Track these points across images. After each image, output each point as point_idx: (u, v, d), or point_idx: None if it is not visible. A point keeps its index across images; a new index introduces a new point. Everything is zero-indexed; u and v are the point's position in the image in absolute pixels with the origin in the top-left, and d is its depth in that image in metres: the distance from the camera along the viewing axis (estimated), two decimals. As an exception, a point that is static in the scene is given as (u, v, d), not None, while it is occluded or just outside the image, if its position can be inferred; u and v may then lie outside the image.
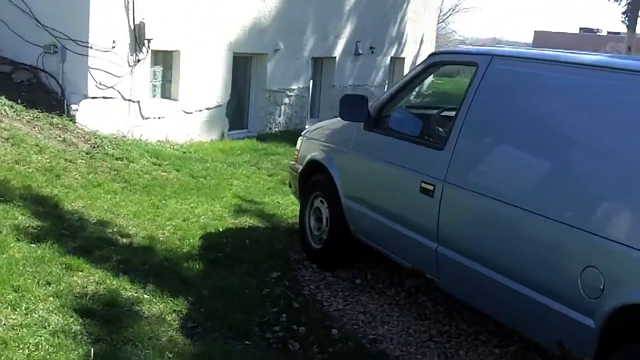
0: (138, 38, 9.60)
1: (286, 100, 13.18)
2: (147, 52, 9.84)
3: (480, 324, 5.07)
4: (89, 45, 8.98)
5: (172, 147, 10.11)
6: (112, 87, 9.40)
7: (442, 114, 5.65)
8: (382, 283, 5.89)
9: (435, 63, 5.42)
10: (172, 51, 10.48)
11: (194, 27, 10.55)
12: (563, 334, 3.75)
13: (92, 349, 3.77)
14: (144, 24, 9.54)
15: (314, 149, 6.35)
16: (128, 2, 9.35)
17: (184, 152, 9.98)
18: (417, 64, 5.86)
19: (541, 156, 4.13)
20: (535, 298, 3.85)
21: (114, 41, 9.26)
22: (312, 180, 6.31)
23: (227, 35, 11.36)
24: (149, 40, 9.68)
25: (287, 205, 8.06)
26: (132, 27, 9.52)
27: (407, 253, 5.12)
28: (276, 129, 13.13)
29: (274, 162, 10.49)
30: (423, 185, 4.77)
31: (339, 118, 5.86)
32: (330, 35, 14.08)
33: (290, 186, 7.09)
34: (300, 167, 6.49)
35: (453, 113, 5.60)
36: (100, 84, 9.23)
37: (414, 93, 5.66)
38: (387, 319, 5.24)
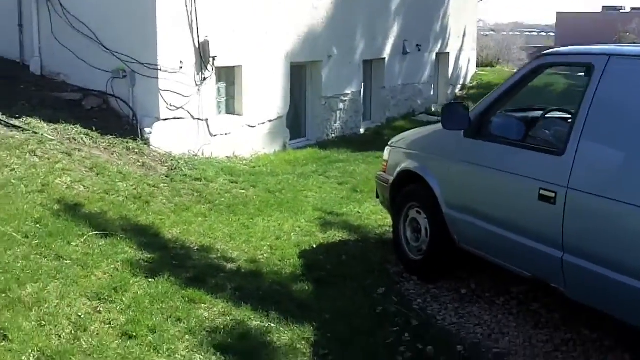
0: (203, 56, 9.62)
1: (341, 105, 13.16)
2: (212, 69, 9.87)
3: (602, 329, 4.99)
4: (158, 68, 9.03)
5: (241, 162, 10.14)
6: (181, 107, 9.44)
7: (547, 116, 5.55)
8: (489, 292, 5.83)
9: (544, 65, 5.30)
10: (235, 67, 10.51)
11: (253, 40, 10.57)
12: None
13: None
14: (208, 42, 9.57)
15: (405, 159, 6.30)
16: (192, 21, 9.38)
17: (254, 167, 10.00)
18: (521, 67, 5.73)
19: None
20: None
21: (181, 61, 9.30)
22: (406, 190, 6.26)
23: (284, 46, 11.37)
24: (213, 58, 9.71)
25: (367, 215, 8.04)
26: (197, 46, 9.55)
27: (526, 262, 5.03)
28: (333, 135, 13.12)
29: (340, 170, 10.47)
30: (542, 192, 4.68)
31: (429, 127, 5.81)
32: (378, 36, 14.05)
33: (377, 196, 7.04)
34: (391, 178, 6.44)
35: (560, 115, 5.55)
36: (171, 105, 9.27)
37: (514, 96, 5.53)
38: (506, 330, 5.18)
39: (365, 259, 6.46)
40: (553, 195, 4.59)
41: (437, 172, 5.84)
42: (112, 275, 5.09)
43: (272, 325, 4.75)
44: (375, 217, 7.94)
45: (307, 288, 5.58)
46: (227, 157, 10.17)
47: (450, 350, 4.78)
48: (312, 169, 10.40)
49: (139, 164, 8.36)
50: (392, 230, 6.85)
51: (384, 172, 6.72)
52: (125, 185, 7.49)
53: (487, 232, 5.28)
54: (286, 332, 4.69)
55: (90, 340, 4.09)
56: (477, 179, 5.45)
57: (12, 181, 6.65)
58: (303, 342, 4.60)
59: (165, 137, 9.22)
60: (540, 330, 5.15)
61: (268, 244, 6.57)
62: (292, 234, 6.99)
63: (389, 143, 6.77)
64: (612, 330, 4.92)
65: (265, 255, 6.26)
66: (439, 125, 5.79)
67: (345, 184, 9.65)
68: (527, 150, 5.00)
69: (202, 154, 9.70)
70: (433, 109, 16.61)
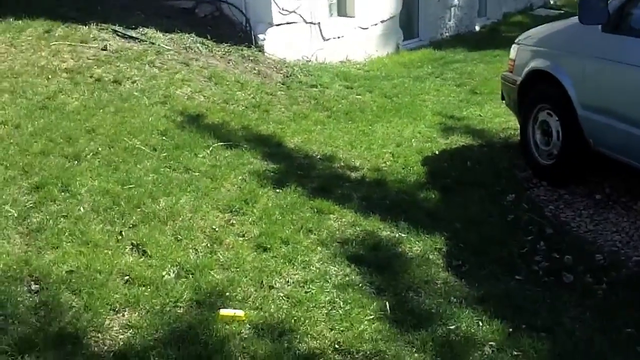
0: (313, -43, 9.32)
1: (455, 1, 12.58)
2: (323, -30, 9.57)
3: None
4: (269, -29, 8.81)
5: (354, 66, 9.93)
6: (293, 11, 9.22)
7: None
8: (625, 197, 5.53)
9: None
10: (345, -35, 10.15)
11: (363, -62, 10.14)
12: None
13: (386, 303, 3.73)
14: (318, -58, 9.25)
15: (535, 58, 5.94)
16: None
17: (368, 71, 9.78)
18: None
19: None
20: None
21: (291, -36, 9.04)
22: (537, 91, 5.93)
23: (394, -58, 10.88)
24: (324, -42, 9.40)
25: (490, 118, 7.75)
26: (307, -53, 9.24)
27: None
28: (447, 34, 12.62)
29: (457, 71, 10.11)
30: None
31: (561, 21, 5.42)
32: None
33: (503, 98, 6.73)
34: (519, 78, 6.11)
35: None
36: (283, 10, 9.08)
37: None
38: (646, 238, 4.91)
39: (491, 165, 6.25)
40: None
41: (572, 70, 5.48)
42: (240, 187, 5.10)
43: (403, 235, 4.67)
44: (499, 119, 7.64)
45: (433, 196, 5.45)
46: (340, 61, 9.97)
47: (588, 259, 4.58)
48: (427, 71, 10.09)
49: (255, 71, 8.30)
50: (518, 133, 6.58)
51: (511, 72, 6.38)
52: (243, 95, 7.47)
53: (628, 134, 4.94)
54: (417, 242, 4.60)
55: (226, 253, 4.12)
56: (618, 77, 5.08)
57: (135, 93, 6.72)
58: (435, 253, 4.50)
59: (279, 43, 9.09)
60: (685, 236, 4.85)
61: (389, 151, 6.43)
62: (413, 140, 6.82)
63: (515, 40, 6.38)
64: None
65: (387, 163, 6.14)
66: (574, 20, 5.40)
67: (463, 85, 9.32)
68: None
69: (316, 60, 9.53)
70: (552, 2, 15.70)
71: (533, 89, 5.98)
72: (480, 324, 3.65)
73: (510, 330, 3.61)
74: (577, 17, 5.27)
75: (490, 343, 3.48)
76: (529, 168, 6.12)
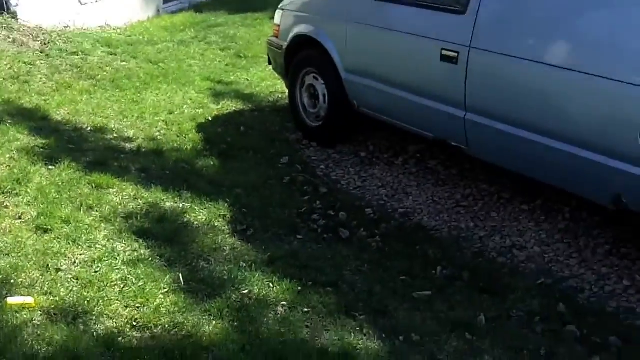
0: None
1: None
2: None
3: (498, 183, 5.26)
4: None
5: (115, 32, 9.62)
6: (45, -26, 8.72)
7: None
8: (387, 153, 5.99)
9: None
10: None
11: None
12: (621, 188, 3.92)
13: (179, 274, 3.76)
14: None
15: (299, 23, 6.17)
16: None
17: (130, 36, 9.53)
18: None
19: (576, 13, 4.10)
20: (590, 157, 3.94)
21: None
22: (302, 56, 6.18)
23: None
24: None
25: (257, 82, 7.96)
26: None
27: (428, 124, 5.13)
28: (207, -4, 12.60)
29: (220, 34, 10.18)
30: (444, 52, 4.73)
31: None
32: None
33: (269, 62, 6.92)
34: (285, 43, 6.32)
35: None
36: (33, -28, 8.55)
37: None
38: (408, 190, 5.37)
39: (263, 129, 6.44)
40: (455, 55, 4.65)
41: (334, 36, 5.76)
42: (9, 166, 4.82)
43: (187, 205, 4.70)
44: (265, 83, 7.87)
45: (212, 163, 5.53)
46: (99, 27, 9.61)
47: (360, 215, 4.92)
48: (191, 35, 10.05)
49: (10, 40, 7.77)
50: (286, 97, 6.83)
51: (276, 37, 6.56)
52: (-1, 65, 6.99)
53: (388, 95, 5.33)
54: (201, 210, 4.66)
55: (4, 238, 3.91)
56: (377, 41, 5.41)
57: None
58: (220, 220, 4.60)
59: (34, 9, 8.53)
60: (441, 187, 5.37)
61: (162, 119, 6.39)
62: (185, 107, 6.82)
63: (280, 6, 6.55)
64: (508, 183, 5.19)
65: (162, 131, 6.10)
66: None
67: (227, 49, 9.43)
68: (428, 10, 4.97)
69: (74, 25, 9.10)
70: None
71: (299, 53, 6.21)
72: (271, 285, 3.81)
73: (299, 288, 3.81)
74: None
75: (282, 303, 3.65)
76: (298, 130, 6.39)
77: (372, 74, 5.47)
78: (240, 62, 8.85)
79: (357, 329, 3.53)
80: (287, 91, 6.73)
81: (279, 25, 6.51)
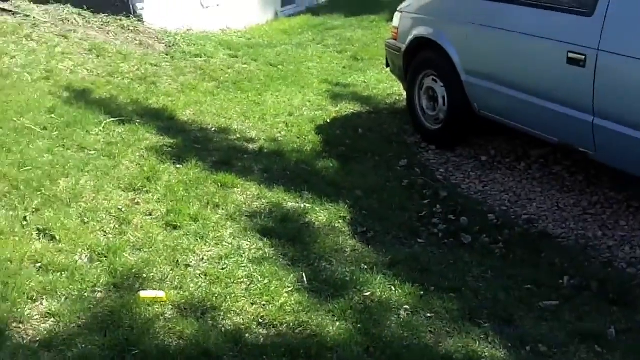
0: None
1: (329, -34, 12.71)
2: None
3: (627, 190, 5.05)
4: None
5: (236, 34, 9.87)
6: (171, -21, 9.05)
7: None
8: (508, 157, 5.86)
9: None
10: None
11: None
12: None
13: (303, 274, 3.81)
14: None
15: (418, 25, 6.13)
16: None
17: (250, 39, 9.76)
18: None
19: None
20: None
21: None
22: (421, 58, 6.14)
23: None
24: None
25: (374, 84, 7.97)
26: None
27: (553, 128, 5.00)
28: (322, 0, 12.72)
29: (336, 37, 10.28)
30: (571, 55, 4.59)
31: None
32: None
33: (387, 65, 6.91)
34: (403, 46, 6.28)
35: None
36: (160, -23, 8.89)
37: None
38: (532, 196, 5.23)
39: (381, 131, 6.44)
40: (583, 57, 4.51)
41: (454, 37, 5.70)
42: (140, 164, 5.01)
43: (308, 205, 4.75)
44: (383, 85, 7.86)
45: (331, 165, 5.56)
46: (220, 29, 9.89)
47: (482, 220, 4.84)
48: (308, 38, 10.18)
49: (137, 42, 8.11)
50: (404, 99, 6.81)
51: (395, 39, 6.54)
52: (127, 67, 7.29)
53: (511, 99, 5.22)
54: (322, 211, 4.69)
55: (136, 234, 4.07)
56: (499, 43, 5.33)
57: (15, 70, 6.43)
58: (340, 221, 4.62)
59: (158, 12, 8.89)
60: (567, 194, 5.21)
61: (282, 120, 6.49)
62: (304, 108, 6.90)
63: (398, 8, 6.53)
64: (638, 191, 4.98)
65: (282, 132, 6.20)
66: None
67: (344, 52, 9.49)
68: (554, 12, 4.84)
69: (197, 28, 9.39)
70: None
71: (417, 55, 6.18)
72: (393, 288, 3.80)
73: (422, 293, 3.78)
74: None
75: (405, 306, 3.64)
76: (417, 133, 6.35)
77: (494, 76, 5.37)
78: (357, 64, 8.89)
79: (482, 336, 3.47)
80: (404, 93, 6.70)
81: (397, 28, 6.50)
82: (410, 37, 6.19)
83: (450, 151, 6.01)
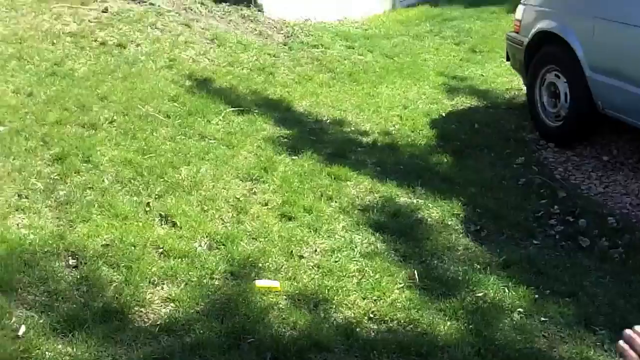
0: None
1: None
2: None
3: None
4: None
5: (353, 25, 9.88)
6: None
7: None
8: (632, 158, 5.64)
9: None
10: None
11: None
12: None
13: (414, 270, 3.81)
14: None
15: (542, 18, 5.96)
16: None
17: (367, 30, 9.75)
18: None
19: None
20: None
21: None
22: (543, 52, 5.97)
23: None
24: None
25: (492, 78, 7.81)
26: None
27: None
28: (441, -11, 12.56)
29: (454, 28, 10.12)
30: None
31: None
32: None
33: (508, 59, 6.76)
34: (526, 39, 6.13)
35: None
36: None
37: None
38: (656, 200, 5.01)
39: (498, 127, 6.32)
40: None
41: (580, 32, 5.51)
42: (257, 154, 5.13)
43: (420, 201, 4.73)
44: (501, 79, 7.71)
45: (445, 160, 5.51)
46: (338, 20, 9.93)
47: (602, 223, 4.67)
48: (425, 29, 10.08)
49: (256, 32, 8.27)
50: (522, 94, 6.65)
51: (517, 32, 6.39)
52: (247, 57, 7.45)
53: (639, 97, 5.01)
54: (435, 208, 4.67)
55: (253, 223, 4.17)
56: (629, 39, 5.11)
57: (140, 57, 6.69)
58: (453, 218, 4.58)
59: (277, 3, 9.02)
60: (694, 198, 4.96)
61: (397, 114, 6.47)
62: (419, 102, 6.86)
63: (522, 1, 6.37)
64: None
65: (396, 126, 6.19)
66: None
67: (462, 44, 9.35)
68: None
69: (315, 19, 9.47)
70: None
71: (540, 50, 6.01)
72: (507, 290, 3.74)
73: (536, 296, 3.71)
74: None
75: (519, 309, 3.58)
76: (535, 130, 6.19)
77: (622, 74, 5.16)
78: (475, 56, 8.74)
79: (598, 343, 3.37)
80: (524, 88, 6.55)
81: (520, 21, 6.34)
82: (533, 31, 6.03)
83: (570, 150, 5.83)
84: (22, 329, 3.04)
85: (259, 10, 8.78)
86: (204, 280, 3.55)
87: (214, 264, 3.69)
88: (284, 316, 3.35)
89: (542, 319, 3.54)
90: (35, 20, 6.97)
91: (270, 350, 3.10)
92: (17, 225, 3.84)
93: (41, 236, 3.72)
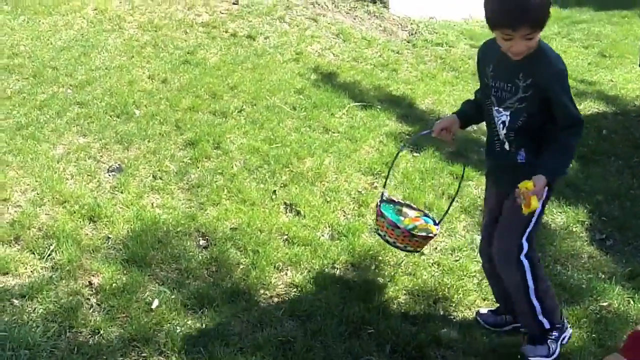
0: None
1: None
2: None
3: None
4: None
5: (478, 24, 9.74)
6: (417, -34, 9.13)
7: None
8: None
9: None
10: None
11: None
12: None
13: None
14: None
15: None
16: None
17: (492, 29, 9.59)
18: None
19: None
20: None
21: None
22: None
23: None
24: None
25: (622, 84, 7.54)
26: None
27: None
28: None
29: (583, 31, 9.80)
30: None
31: None
32: None
33: (642, 65, 6.52)
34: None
35: None
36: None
37: None
38: None
39: (627, 134, 6.11)
40: None
41: None
42: (379, 150, 5.18)
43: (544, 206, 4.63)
44: (632, 85, 7.43)
45: (571, 166, 5.36)
46: (463, 19, 9.82)
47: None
48: (553, 31, 9.81)
49: (381, 28, 8.31)
50: (656, 102, 6.41)
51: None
52: (371, 52, 7.50)
53: None
54: (560, 213, 4.58)
55: (373, 217, 4.21)
56: None
57: (268, 50, 6.86)
58: (578, 225, 4.48)
59: (403, 0, 9.02)
60: None
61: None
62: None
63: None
64: None
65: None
66: None
67: (591, 47, 9.05)
68: None
69: (439, 17, 9.42)
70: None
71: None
72: (632, 301, 3.64)
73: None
74: None
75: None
76: (667, 139, 5.96)
77: None
78: (604, 61, 8.45)
79: None
80: (657, 96, 6.31)
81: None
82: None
83: None
84: (155, 302, 3.21)
85: (384, 7, 8.82)
86: (326, 269, 3.64)
87: (335, 253, 3.77)
88: (403, 310, 3.39)
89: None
90: (170, 10, 7.26)
91: (389, 343, 3.15)
92: (152, 204, 4.04)
93: (174, 216, 3.90)
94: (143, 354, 2.93)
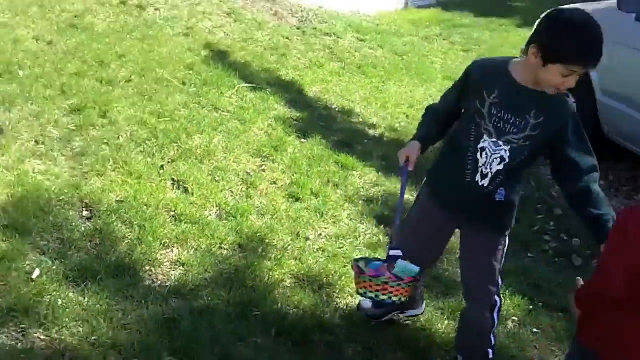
0: None
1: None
2: None
3: None
4: None
5: (365, 19, 9.93)
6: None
7: None
8: (627, 185, 5.76)
9: None
10: None
11: None
12: None
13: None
14: None
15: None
16: None
17: (378, 25, 9.80)
18: None
19: None
20: None
21: None
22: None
23: None
24: None
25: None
26: None
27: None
28: (455, -6, 12.64)
29: (463, 35, 10.22)
30: None
31: (597, 3, 5.52)
32: None
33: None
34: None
35: None
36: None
37: None
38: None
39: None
40: None
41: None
42: (268, 133, 5.18)
43: (423, 200, 4.80)
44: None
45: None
46: (350, 11, 9.97)
47: (594, 245, 4.77)
48: (435, 32, 10.16)
49: (272, 12, 8.29)
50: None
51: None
52: (261, 35, 7.48)
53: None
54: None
55: (262, 200, 4.23)
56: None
57: (159, 21, 6.71)
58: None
59: (295, -14, 9.04)
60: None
61: (403, 112, 6.55)
62: (425, 102, 6.88)
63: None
64: None
65: (402, 123, 6.26)
66: (609, 5, 5.51)
67: (470, 51, 9.44)
68: None
69: (328, 7, 9.51)
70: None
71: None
72: (503, 298, 3.82)
73: (530, 307, 3.80)
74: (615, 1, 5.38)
75: (513, 318, 3.68)
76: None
77: (630, 100, 5.27)
78: (481, 66, 8.82)
79: (586, 361, 3.47)
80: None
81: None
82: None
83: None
84: (36, 272, 3.09)
85: (276, -9, 8.80)
86: (213, 249, 3.61)
87: (223, 234, 3.75)
88: (289, 294, 3.42)
89: (535, 330, 3.64)
90: (58, -30, 6.94)
91: (274, 326, 3.17)
92: (34, 170, 3.87)
93: (57, 184, 3.75)
94: (22, 325, 2.81)
